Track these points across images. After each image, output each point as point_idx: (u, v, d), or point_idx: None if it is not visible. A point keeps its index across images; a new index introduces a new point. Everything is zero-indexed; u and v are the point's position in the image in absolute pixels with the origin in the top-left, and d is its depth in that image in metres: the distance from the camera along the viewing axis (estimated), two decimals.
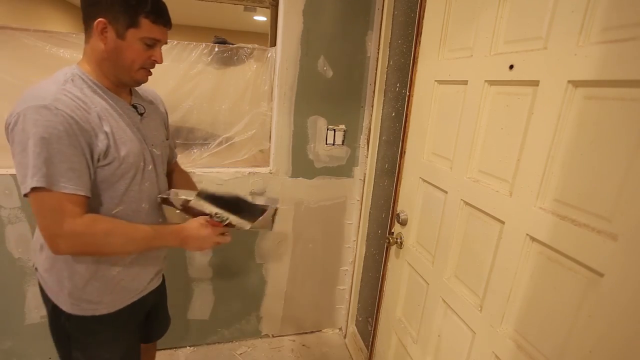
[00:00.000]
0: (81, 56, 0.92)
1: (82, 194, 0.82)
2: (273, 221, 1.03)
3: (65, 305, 0.94)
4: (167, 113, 1.19)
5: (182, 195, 1.00)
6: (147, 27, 0.87)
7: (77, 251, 0.86)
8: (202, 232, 0.95)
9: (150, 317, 1.17)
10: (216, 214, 0.97)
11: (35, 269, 0.98)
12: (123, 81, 0.92)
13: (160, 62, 0.93)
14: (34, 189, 0.77)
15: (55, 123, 0.77)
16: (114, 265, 0.95)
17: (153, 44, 0.90)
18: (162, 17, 0.89)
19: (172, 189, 1.07)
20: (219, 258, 1.81)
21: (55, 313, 0.97)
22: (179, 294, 1.80)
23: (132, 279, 1.00)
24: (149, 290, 1.07)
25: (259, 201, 1.04)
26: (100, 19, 0.83)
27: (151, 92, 1.12)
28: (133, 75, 0.91)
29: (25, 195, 0.78)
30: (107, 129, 0.85)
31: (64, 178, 0.78)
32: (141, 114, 0.98)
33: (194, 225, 0.95)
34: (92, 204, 0.87)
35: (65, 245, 0.83)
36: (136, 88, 1.03)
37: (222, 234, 0.99)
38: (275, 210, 1.02)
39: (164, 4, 0.90)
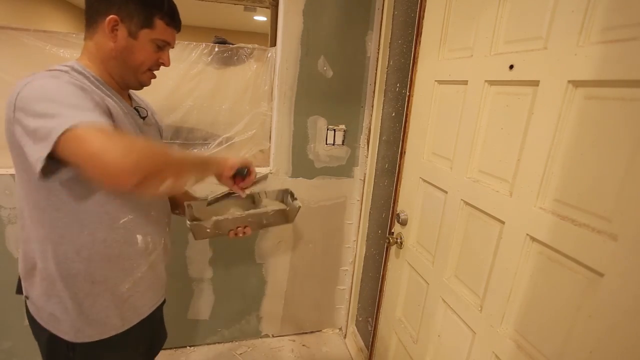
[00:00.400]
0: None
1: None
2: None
3: (69, 335, 0.82)
4: (161, 125, 1.09)
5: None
6: (161, 29, 0.85)
7: (143, 164, 0.63)
8: (227, 162, 0.95)
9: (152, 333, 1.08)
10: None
11: (26, 297, 0.86)
12: (127, 82, 0.89)
13: (168, 65, 0.91)
14: (73, 127, 0.61)
15: (72, 82, 0.70)
16: (124, 281, 0.86)
17: (163, 47, 0.88)
18: (175, 20, 0.88)
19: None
20: (219, 258, 1.81)
21: (53, 345, 0.84)
22: (179, 294, 1.80)
23: (142, 294, 0.91)
24: (157, 305, 1.00)
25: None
26: (112, 16, 0.79)
27: (146, 102, 1.05)
28: (139, 76, 0.88)
29: (52, 150, 0.63)
30: (114, 124, 0.77)
31: (99, 117, 0.67)
32: (143, 118, 0.94)
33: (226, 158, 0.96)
34: (99, 213, 0.79)
35: (131, 157, 0.61)
36: (132, 95, 0.98)
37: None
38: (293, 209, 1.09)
39: (177, 7, 0.89)
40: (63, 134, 0.61)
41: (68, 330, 0.82)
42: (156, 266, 0.95)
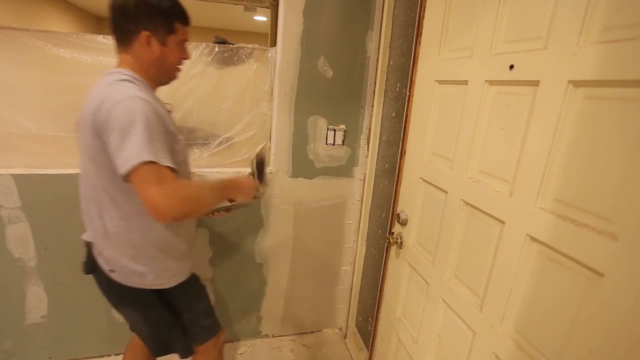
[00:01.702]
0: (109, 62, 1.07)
1: (175, 168, 0.89)
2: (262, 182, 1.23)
3: (161, 283, 1.08)
4: None
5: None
6: (181, 31, 1.02)
7: (182, 210, 0.87)
8: (249, 184, 1.15)
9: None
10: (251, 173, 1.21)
11: (111, 270, 1.03)
12: (162, 82, 1.06)
13: (189, 58, 1.08)
14: (143, 163, 0.83)
15: (149, 110, 0.87)
16: (182, 242, 1.10)
17: (183, 44, 1.05)
18: (188, 18, 1.04)
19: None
20: (219, 258, 1.81)
21: (142, 297, 1.07)
22: None
23: (190, 255, 1.17)
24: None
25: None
26: (144, 32, 0.95)
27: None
28: (172, 75, 1.07)
29: (128, 172, 0.84)
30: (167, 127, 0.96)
31: (164, 155, 0.87)
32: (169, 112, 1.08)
33: (244, 178, 1.15)
34: None
35: (173, 207, 0.85)
36: None
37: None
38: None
39: (184, 6, 1.03)
40: (135, 166, 0.83)
41: (166, 279, 1.08)
42: (192, 243, 1.20)
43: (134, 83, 0.94)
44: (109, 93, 0.88)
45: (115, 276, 1.05)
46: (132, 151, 0.83)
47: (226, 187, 1.07)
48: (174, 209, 0.85)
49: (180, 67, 1.07)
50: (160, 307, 1.13)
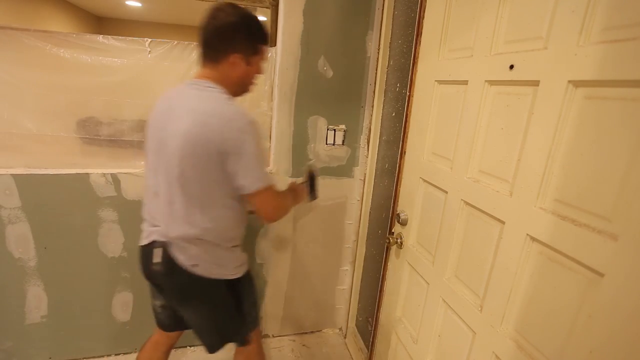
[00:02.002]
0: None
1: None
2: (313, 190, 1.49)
3: (232, 275, 1.18)
4: None
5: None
6: (263, 51, 1.13)
7: (282, 216, 1.20)
8: (304, 191, 1.40)
9: None
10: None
11: (194, 265, 1.11)
12: (237, 96, 1.14)
13: (263, 73, 1.19)
14: (267, 187, 1.07)
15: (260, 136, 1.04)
16: (240, 241, 1.23)
17: (262, 62, 1.15)
18: (269, 39, 1.15)
19: None
20: None
21: (220, 285, 1.17)
22: None
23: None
24: None
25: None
26: (236, 55, 1.05)
27: None
28: (247, 89, 1.16)
29: (253, 192, 1.06)
30: None
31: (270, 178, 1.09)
32: None
33: (301, 186, 1.40)
34: (241, 205, 1.14)
35: (279, 216, 1.18)
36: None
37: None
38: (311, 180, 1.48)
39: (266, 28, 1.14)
40: (260, 188, 1.05)
41: (232, 271, 1.18)
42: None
43: (233, 101, 1.06)
44: (227, 114, 1.00)
45: (197, 270, 1.11)
46: (258, 175, 1.04)
47: (295, 194, 1.33)
48: (279, 216, 1.18)
49: (254, 81, 1.17)
50: (230, 298, 1.20)
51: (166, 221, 1.10)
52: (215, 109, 1.01)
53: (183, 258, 1.10)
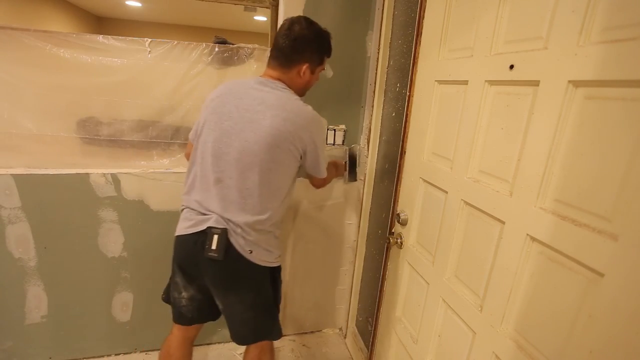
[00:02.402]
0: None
1: None
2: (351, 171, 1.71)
3: (272, 261, 1.24)
4: None
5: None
6: (324, 62, 1.26)
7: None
8: (342, 167, 1.68)
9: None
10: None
11: (250, 251, 1.17)
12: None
13: (318, 80, 1.34)
14: (327, 169, 1.30)
15: None
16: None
17: (321, 71, 1.29)
18: (331, 52, 1.28)
19: None
20: None
21: (270, 272, 1.26)
22: None
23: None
24: None
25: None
26: (305, 65, 1.18)
27: None
28: (304, 94, 1.29)
29: (318, 177, 1.30)
30: None
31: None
32: None
33: (341, 162, 1.66)
34: (292, 189, 1.26)
35: (328, 182, 1.40)
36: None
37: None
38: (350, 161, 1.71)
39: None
40: (323, 176, 1.30)
41: (274, 260, 1.25)
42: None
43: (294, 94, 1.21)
44: (308, 112, 1.17)
45: (252, 256, 1.17)
46: (325, 166, 1.27)
47: (336, 168, 1.53)
48: (328, 181, 1.39)
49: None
50: (270, 287, 1.27)
51: (231, 208, 1.15)
52: (300, 108, 1.16)
53: (242, 243, 1.15)
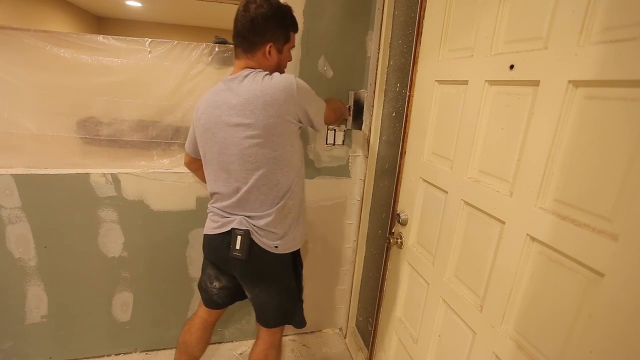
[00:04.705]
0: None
1: None
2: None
3: (297, 245, 1.27)
4: None
5: None
6: (293, 38, 1.20)
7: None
8: (345, 108, 1.63)
9: None
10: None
11: (275, 247, 1.19)
12: None
13: (291, 59, 1.27)
14: (326, 105, 1.26)
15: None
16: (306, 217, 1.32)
17: (291, 49, 1.23)
18: (298, 26, 1.22)
19: None
20: None
21: (292, 259, 1.27)
22: (179, 294, 1.80)
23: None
24: None
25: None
26: (269, 45, 1.12)
27: None
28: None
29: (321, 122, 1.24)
30: None
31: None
32: None
33: (344, 103, 1.64)
34: (302, 164, 1.24)
35: (337, 116, 1.44)
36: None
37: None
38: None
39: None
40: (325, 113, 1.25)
41: (296, 243, 1.26)
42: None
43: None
44: (281, 82, 1.08)
45: (277, 250, 1.19)
46: (322, 110, 1.22)
47: (335, 109, 1.46)
48: (337, 118, 1.45)
49: (285, 69, 1.24)
50: (293, 274, 1.29)
51: (252, 209, 1.17)
52: (268, 85, 1.08)
53: (266, 241, 1.18)
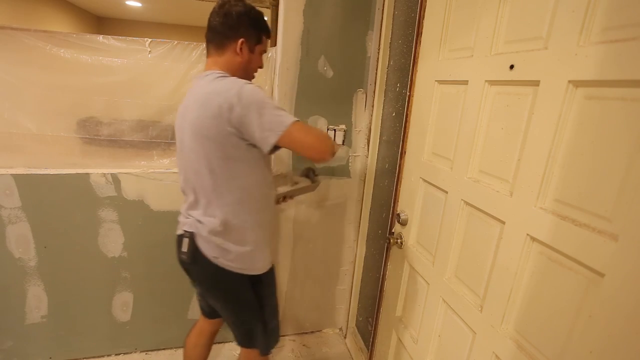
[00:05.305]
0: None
1: None
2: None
3: (256, 270, 1.18)
4: None
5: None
6: (265, 42, 1.20)
7: (329, 144, 1.10)
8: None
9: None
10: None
11: (215, 257, 1.12)
12: None
13: (263, 67, 1.25)
14: (292, 123, 1.02)
15: (260, 91, 1.05)
16: (268, 229, 1.22)
17: (263, 53, 1.21)
18: (270, 33, 1.21)
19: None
20: None
21: (242, 282, 1.17)
22: (179, 294, 1.80)
23: (271, 243, 1.27)
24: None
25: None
26: (241, 40, 1.11)
27: None
28: (250, 79, 1.20)
29: (279, 137, 1.01)
30: None
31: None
32: None
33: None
34: (261, 178, 1.14)
35: (327, 144, 1.09)
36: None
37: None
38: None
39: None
40: (287, 128, 1.01)
41: (254, 267, 1.18)
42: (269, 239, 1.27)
43: (230, 77, 1.10)
44: (223, 86, 1.03)
45: (220, 262, 1.13)
46: (278, 119, 1.02)
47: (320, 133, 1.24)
48: (327, 146, 1.08)
49: (255, 74, 1.24)
50: (251, 294, 1.20)
51: (201, 211, 1.14)
52: (212, 86, 1.05)
53: (207, 248, 1.13)
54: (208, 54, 1.16)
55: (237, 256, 1.14)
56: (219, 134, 1.02)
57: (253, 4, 1.18)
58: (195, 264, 1.15)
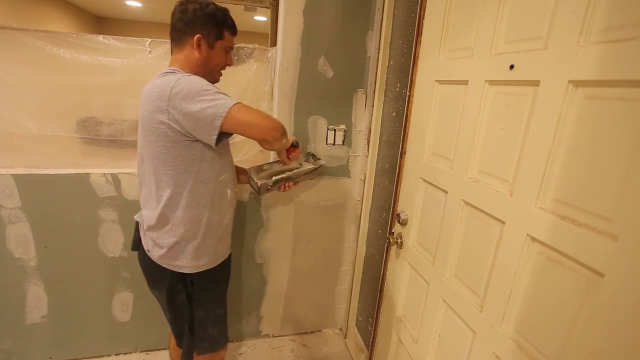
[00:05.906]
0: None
1: None
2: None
3: (189, 268, 1.16)
4: None
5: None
6: (228, 38, 1.17)
7: (277, 122, 1.11)
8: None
9: None
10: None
11: (147, 250, 1.15)
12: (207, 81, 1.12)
13: (232, 64, 1.23)
14: (233, 105, 1.00)
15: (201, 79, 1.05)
16: (220, 225, 1.19)
17: (228, 51, 1.19)
18: (235, 30, 1.19)
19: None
20: None
21: (176, 281, 1.17)
22: None
23: (227, 238, 1.27)
24: (230, 250, 1.31)
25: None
26: (198, 35, 1.10)
27: None
28: (215, 75, 1.20)
29: (222, 122, 0.99)
30: None
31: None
32: None
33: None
34: (211, 171, 1.11)
35: (273, 122, 1.09)
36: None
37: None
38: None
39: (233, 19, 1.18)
40: (229, 110, 0.98)
41: (189, 264, 1.15)
42: (232, 218, 1.27)
43: (180, 73, 1.08)
44: (164, 81, 1.02)
45: (152, 255, 1.15)
46: (217, 104, 0.99)
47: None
48: (276, 127, 1.08)
49: (222, 71, 1.22)
50: (183, 294, 1.19)
51: (144, 202, 1.18)
52: (154, 84, 1.05)
53: (144, 239, 1.18)
54: (171, 52, 1.17)
55: (175, 256, 1.14)
56: (157, 127, 1.03)
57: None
58: (140, 255, 1.22)
